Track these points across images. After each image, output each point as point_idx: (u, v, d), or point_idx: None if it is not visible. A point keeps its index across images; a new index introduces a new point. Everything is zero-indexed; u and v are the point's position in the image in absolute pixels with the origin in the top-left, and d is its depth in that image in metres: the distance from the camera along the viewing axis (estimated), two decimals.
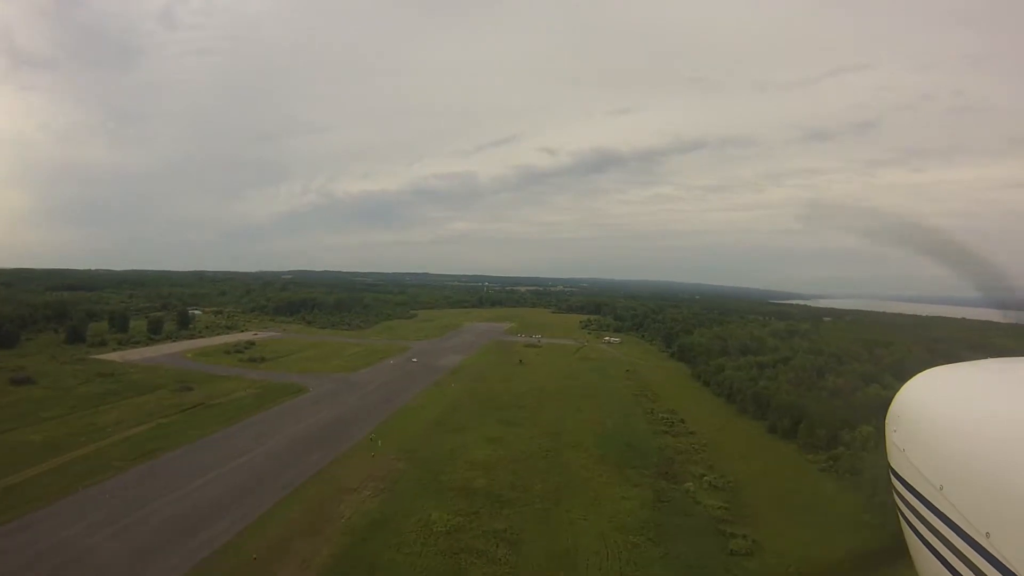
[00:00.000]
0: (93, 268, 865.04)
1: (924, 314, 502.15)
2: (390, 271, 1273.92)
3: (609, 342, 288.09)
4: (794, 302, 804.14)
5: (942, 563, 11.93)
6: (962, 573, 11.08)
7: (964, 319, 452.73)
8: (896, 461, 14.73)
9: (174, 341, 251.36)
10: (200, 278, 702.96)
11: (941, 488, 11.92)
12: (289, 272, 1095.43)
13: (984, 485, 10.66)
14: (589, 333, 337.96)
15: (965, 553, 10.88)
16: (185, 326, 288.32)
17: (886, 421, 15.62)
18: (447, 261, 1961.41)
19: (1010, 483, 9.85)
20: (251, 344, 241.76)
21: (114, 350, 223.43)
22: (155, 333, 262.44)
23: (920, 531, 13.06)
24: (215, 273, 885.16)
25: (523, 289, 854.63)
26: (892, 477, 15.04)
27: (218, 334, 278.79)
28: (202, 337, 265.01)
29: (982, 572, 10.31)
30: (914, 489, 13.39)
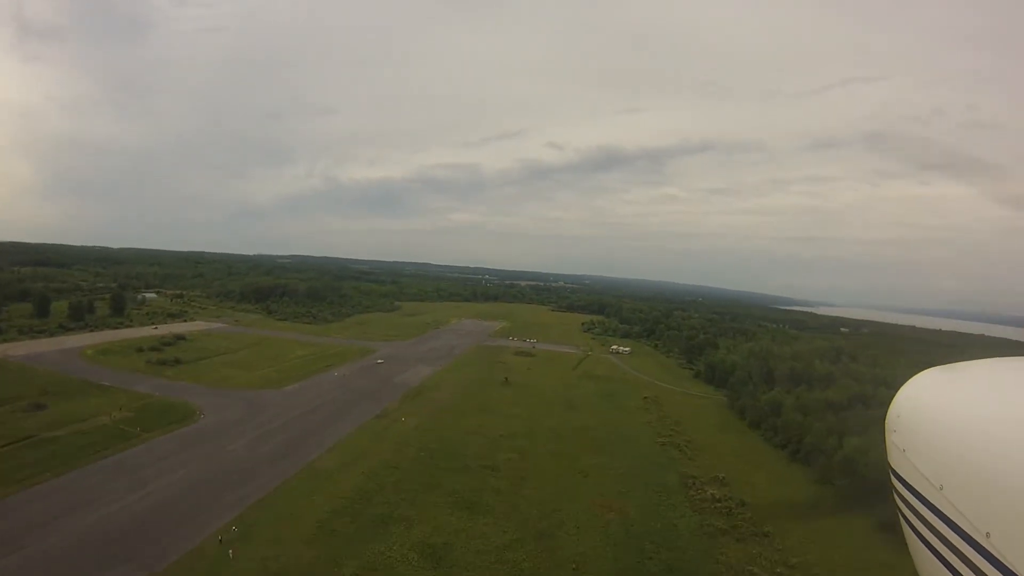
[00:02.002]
0: (89, 244, 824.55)
1: (934, 327, 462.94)
2: (391, 260, 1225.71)
3: (617, 352, 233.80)
4: (797, 308, 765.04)
5: (942, 563, 12.04)
6: (962, 573, 11.17)
7: (983, 336, 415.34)
8: (896, 461, 14.82)
9: (92, 331, 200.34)
10: (186, 259, 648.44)
11: (941, 488, 12.06)
12: (287, 256, 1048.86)
13: (984, 485, 10.72)
14: (593, 338, 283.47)
15: (965, 553, 10.98)
16: (120, 312, 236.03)
17: (886, 422, 15.80)
18: (449, 252, 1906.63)
19: (1010, 483, 9.89)
20: (178, 339, 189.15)
21: (8, 340, 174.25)
22: (76, 319, 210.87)
23: (920, 531, 13.21)
24: (212, 254, 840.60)
25: (523, 284, 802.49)
26: (892, 477, 15.14)
27: (155, 323, 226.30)
28: (129, 327, 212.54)
29: (982, 572, 10.33)
30: (914, 489, 13.49)
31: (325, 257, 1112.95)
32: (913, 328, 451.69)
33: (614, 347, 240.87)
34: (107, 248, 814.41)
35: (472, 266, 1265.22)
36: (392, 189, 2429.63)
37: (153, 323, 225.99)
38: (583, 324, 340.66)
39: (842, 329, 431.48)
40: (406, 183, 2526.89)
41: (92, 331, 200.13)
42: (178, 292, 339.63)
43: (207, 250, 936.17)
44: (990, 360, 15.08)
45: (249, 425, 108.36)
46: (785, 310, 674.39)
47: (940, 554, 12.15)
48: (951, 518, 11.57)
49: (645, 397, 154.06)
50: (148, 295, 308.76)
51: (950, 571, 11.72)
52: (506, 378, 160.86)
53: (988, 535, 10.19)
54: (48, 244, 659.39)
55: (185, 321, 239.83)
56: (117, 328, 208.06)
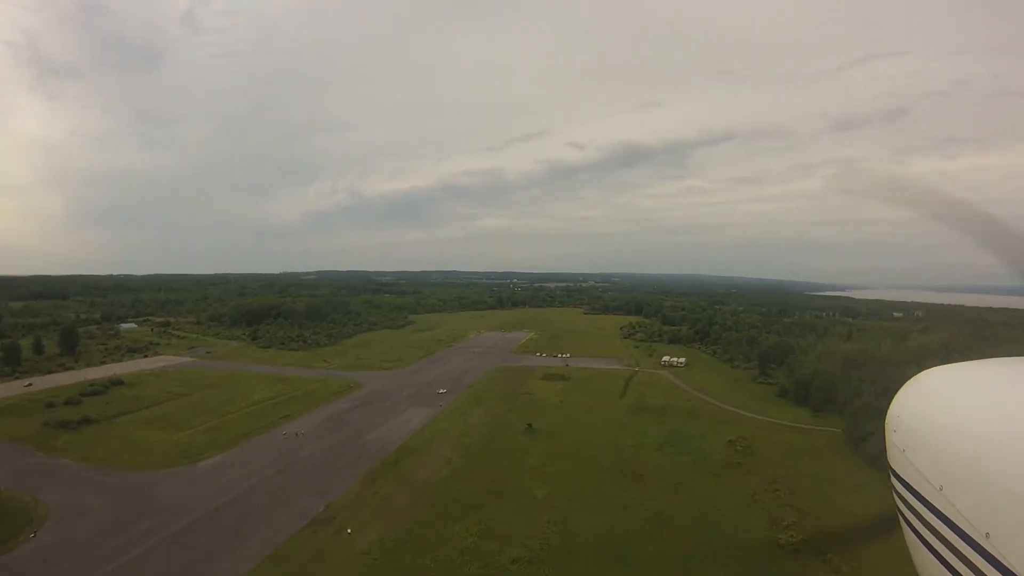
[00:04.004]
0: (115, 273, 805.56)
1: (984, 305, 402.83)
2: (418, 269, 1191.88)
3: (672, 364, 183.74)
4: (831, 293, 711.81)
5: (942, 563, 11.81)
6: (962, 573, 10.96)
7: None
8: (896, 462, 14.54)
9: (18, 378, 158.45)
10: (199, 281, 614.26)
11: (941, 489, 11.80)
12: (313, 272, 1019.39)
13: (984, 485, 10.51)
14: (636, 346, 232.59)
15: (965, 553, 10.76)
16: (70, 350, 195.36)
17: (886, 422, 15.39)
18: (476, 258, 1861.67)
19: (1010, 484, 9.73)
20: (113, 385, 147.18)
21: None
22: (10, 363, 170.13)
23: (920, 531, 12.93)
24: (235, 275, 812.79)
25: (552, 286, 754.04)
26: (892, 478, 14.79)
27: (110, 361, 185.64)
28: (69, 370, 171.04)
29: (982, 572, 10.18)
30: (914, 490, 13.19)
31: (351, 271, 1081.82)
32: (962, 307, 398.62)
33: (666, 358, 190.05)
34: (132, 276, 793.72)
35: (500, 271, 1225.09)
36: (417, 199, 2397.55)
37: (104, 361, 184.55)
38: (622, 328, 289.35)
39: (895, 314, 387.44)
40: (430, 192, 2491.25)
41: (18, 378, 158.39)
42: (165, 320, 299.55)
43: (232, 271, 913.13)
44: (990, 360, 14.51)
45: (89, 557, 62.75)
46: (821, 296, 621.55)
47: (940, 554, 11.82)
48: (951, 518, 11.28)
49: (730, 440, 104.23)
50: (126, 325, 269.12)
51: (950, 571, 11.42)
52: (529, 424, 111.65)
53: (988, 535, 9.92)
54: (67, 276, 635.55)
55: (147, 357, 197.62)
56: (50, 373, 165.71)
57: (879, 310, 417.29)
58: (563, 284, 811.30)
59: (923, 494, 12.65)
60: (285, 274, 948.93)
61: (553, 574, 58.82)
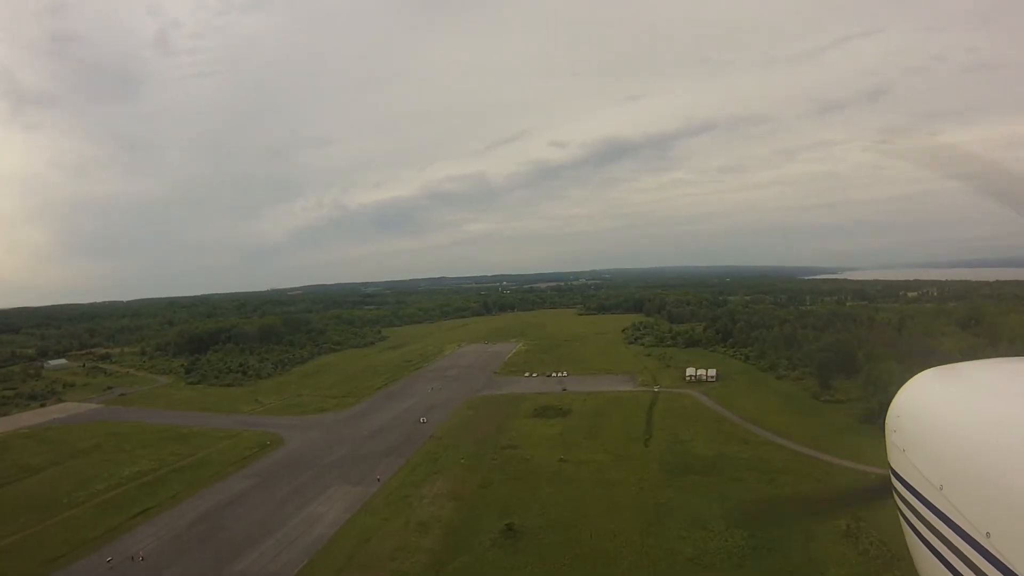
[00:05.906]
0: (101, 300, 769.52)
1: (991, 279, 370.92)
2: (407, 278, 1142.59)
3: (698, 379, 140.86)
4: (823, 277, 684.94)
5: (942, 563, 11.43)
6: (962, 573, 10.58)
7: None
8: (896, 461, 14.07)
9: None
10: (172, 304, 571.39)
11: (941, 488, 11.40)
12: (299, 288, 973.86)
13: (984, 485, 10.19)
14: (647, 353, 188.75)
15: (965, 553, 10.40)
16: None
17: (886, 421, 14.77)
18: (466, 264, 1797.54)
19: (1010, 483, 9.45)
20: None
21: None
22: None
23: (920, 531, 12.50)
24: (220, 295, 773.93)
25: (543, 286, 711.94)
26: (892, 477, 14.30)
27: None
28: None
29: (982, 572, 9.86)
30: (914, 489, 12.76)
31: (339, 284, 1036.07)
32: (969, 283, 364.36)
33: (690, 371, 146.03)
34: (118, 301, 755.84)
35: (490, 275, 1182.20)
36: (403, 208, 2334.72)
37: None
38: (624, 331, 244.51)
39: (910, 294, 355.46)
40: (416, 200, 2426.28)
41: None
42: (106, 352, 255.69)
43: (220, 291, 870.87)
44: (990, 360, 14.30)
45: None
46: (821, 280, 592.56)
47: (940, 554, 11.46)
48: (951, 518, 10.91)
49: (847, 529, 61.43)
50: (55, 363, 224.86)
51: (950, 571, 11.03)
52: (509, 524, 66.91)
53: (988, 535, 9.62)
54: (46, 307, 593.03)
55: (44, 405, 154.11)
56: None
57: (888, 291, 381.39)
58: (553, 284, 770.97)
59: (923, 494, 12.23)
60: (272, 291, 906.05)
61: None
